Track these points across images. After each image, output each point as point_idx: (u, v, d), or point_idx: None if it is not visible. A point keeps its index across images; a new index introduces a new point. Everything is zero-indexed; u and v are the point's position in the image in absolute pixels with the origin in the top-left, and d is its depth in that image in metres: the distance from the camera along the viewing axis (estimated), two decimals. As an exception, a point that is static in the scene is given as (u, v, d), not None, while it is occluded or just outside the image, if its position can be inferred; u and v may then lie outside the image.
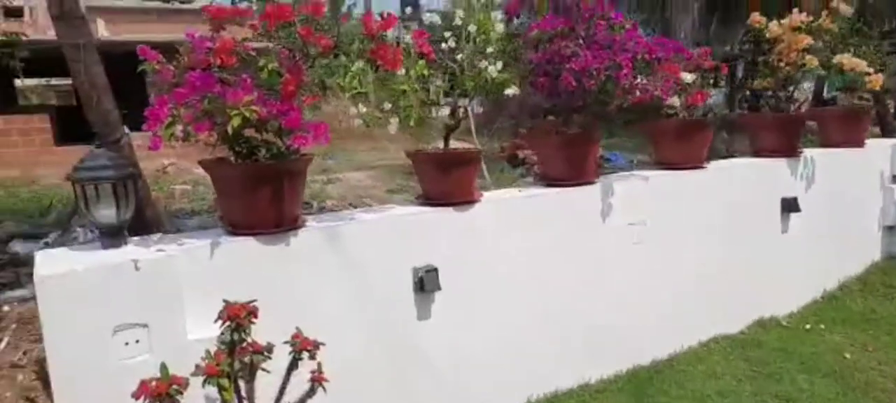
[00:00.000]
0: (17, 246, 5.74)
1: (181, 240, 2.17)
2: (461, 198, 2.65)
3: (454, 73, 2.63)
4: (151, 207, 3.20)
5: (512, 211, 2.84)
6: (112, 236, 2.07)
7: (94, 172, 1.99)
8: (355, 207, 9.37)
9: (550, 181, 3.06)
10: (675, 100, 3.31)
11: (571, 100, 2.96)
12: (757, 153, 3.94)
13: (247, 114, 1.93)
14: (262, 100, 2.03)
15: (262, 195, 2.12)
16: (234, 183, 2.15)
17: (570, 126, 3.11)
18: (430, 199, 2.67)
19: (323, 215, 2.61)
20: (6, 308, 3.89)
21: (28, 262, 4.79)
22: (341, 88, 2.26)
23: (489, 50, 2.63)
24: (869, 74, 3.64)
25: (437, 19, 2.54)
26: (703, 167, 3.50)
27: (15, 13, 13.50)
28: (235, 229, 2.19)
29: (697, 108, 3.46)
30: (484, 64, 2.60)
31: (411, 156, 2.74)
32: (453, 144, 2.75)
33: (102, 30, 17.85)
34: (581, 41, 2.90)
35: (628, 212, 3.18)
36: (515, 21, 3.33)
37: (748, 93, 4.18)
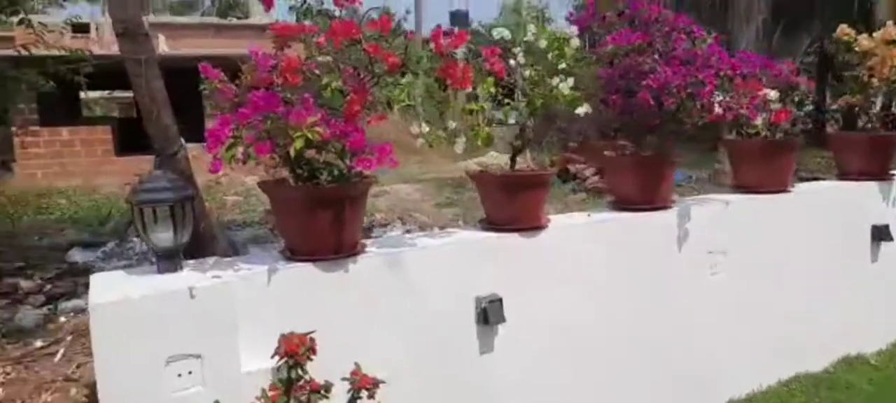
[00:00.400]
0: (77, 255, 5.84)
1: (238, 265, 2.07)
2: (528, 224, 2.48)
3: (524, 91, 2.48)
4: (205, 219, 3.15)
5: (582, 238, 2.66)
6: (168, 259, 1.99)
7: (154, 194, 1.91)
8: (404, 222, 9.30)
9: (622, 204, 2.87)
10: (757, 119, 3.08)
11: (647, 118, 2.77)
12: (843, 175, 3.65)
13: (310, 136, 1.82)
14: (325, 119, 1.92)
15: (322, 219, 2.00)
16: (293, 206, 2.04)
17: (642, 146, 2.91)
18: (493, 224, 2.51)
19: (381, 239, 2.48)
20: (62, 319, 3.91)
21: (86, 271, 4.84)
22: (389, 104, 2.15)
23: (562, 66, 2.47)
24: None
25: (507, 34, 2.39)
26: (787, 191, 3.24)
27: (82, 29, 14.01)
28: (294, 254, 2.08)
29: (779, 127, 3.21)
30: (555, 81, 2.44)
31: (475, 177, 2.59)
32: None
33: (163, 45, 18.44)
34: (658, 56, 2.71)
35: (706, 240, 2.95)
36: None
37: (815, 109, 3.89)
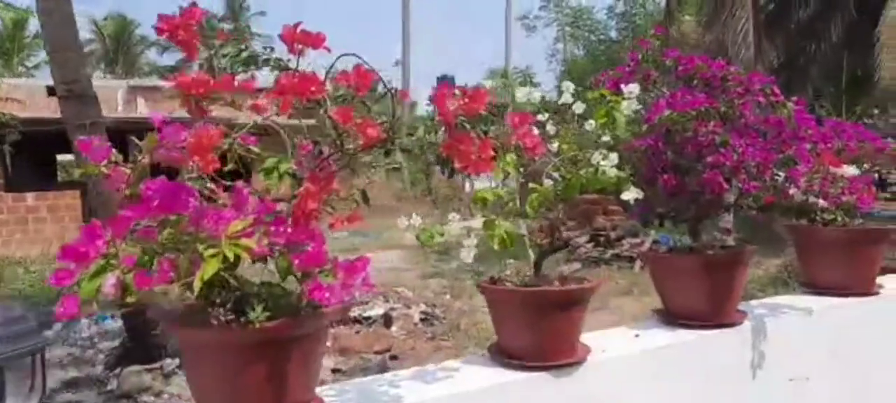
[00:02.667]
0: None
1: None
2: (561, 359, 1.76)
3: (554, 171, 1.79)
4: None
5: (633, 373, 1.94)
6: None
7: None
8: (386, 298, 8.49)
9: (678, 318, 2.16)
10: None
11: (709, 205, 2.10)
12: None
13: (228, 254, 1.11)
14: (261, 221, 1.22)
15: (250, 377, 1.27)
16: (206, 356, 1.31)
17: (697, 237, 2.23)
18: (511, 357, 1.78)
19: (346, 390, 1.71)
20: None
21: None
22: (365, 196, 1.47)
23: (605, 138, 1.81)
24: None
25: (536, 96, 1.75)
26: (874, 293, 2.55)
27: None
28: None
29: (857, 212, 2.54)
30: (597, 157, 1.77)
31: (485, 289, 1.87)
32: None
33: (142, 107, 17.80)
34: (724, 123, 2.06)
35: (786, 363, 2.24)
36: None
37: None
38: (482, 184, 1.72)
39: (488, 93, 1.29)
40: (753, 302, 2.48)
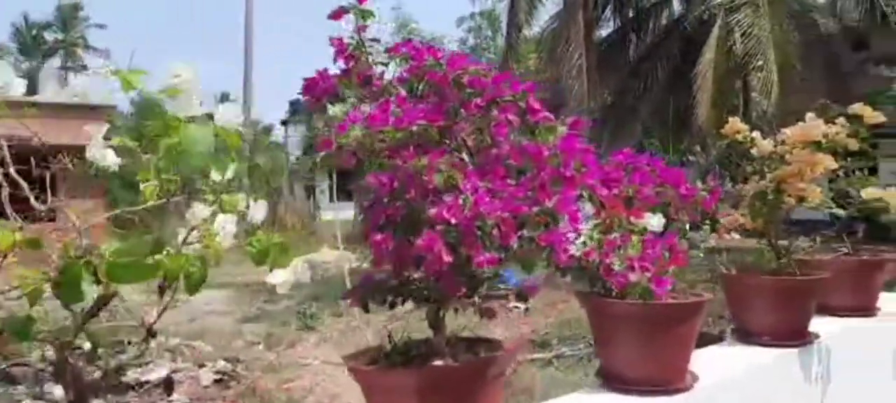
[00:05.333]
0: None
1: None
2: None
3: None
4: None
5: None
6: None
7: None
8: (175, 357, 7.12)
9: None
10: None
11: (450, 283, 1.31)
12: (745, 336, 2.44)
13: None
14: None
15: None
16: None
17: (439, 332, 1.43)
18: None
19: None
20: None
21: None
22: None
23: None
24: None
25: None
26: (686, 387, 1.91)
27: None
28: None
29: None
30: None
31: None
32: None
33: None
34: (462, 154, 1.29)
35: None
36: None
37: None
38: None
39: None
40: None
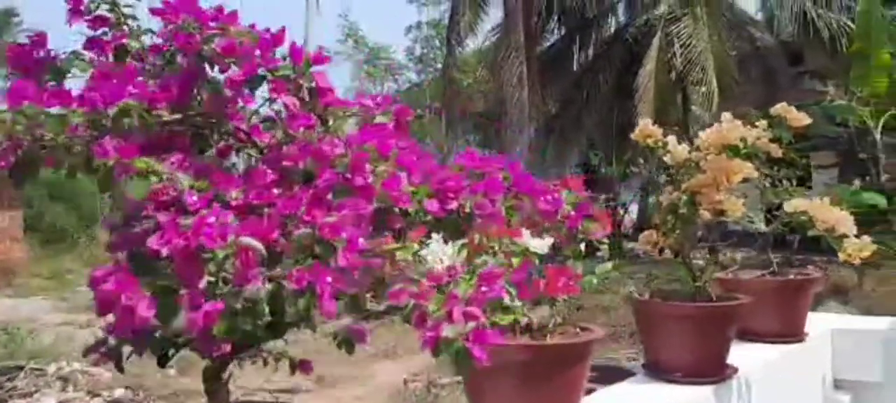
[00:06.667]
0: None
1: None
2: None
3: None
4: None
5: None
6: None
7: None
8: (67, 382, 6.46)
9: None
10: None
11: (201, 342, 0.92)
12: (657, 372, 2.12)
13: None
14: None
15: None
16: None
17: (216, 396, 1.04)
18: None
19: None
20: None
21: None
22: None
23: None
24: (847, 237, 2.00)
25: None
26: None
27: None
28: None
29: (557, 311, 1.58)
30: None
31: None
32: None
33: None
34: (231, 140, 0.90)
35: None
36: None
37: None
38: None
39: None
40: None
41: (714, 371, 2.05)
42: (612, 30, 16.74)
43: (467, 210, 1.01)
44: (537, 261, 1.62)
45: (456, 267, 0.96)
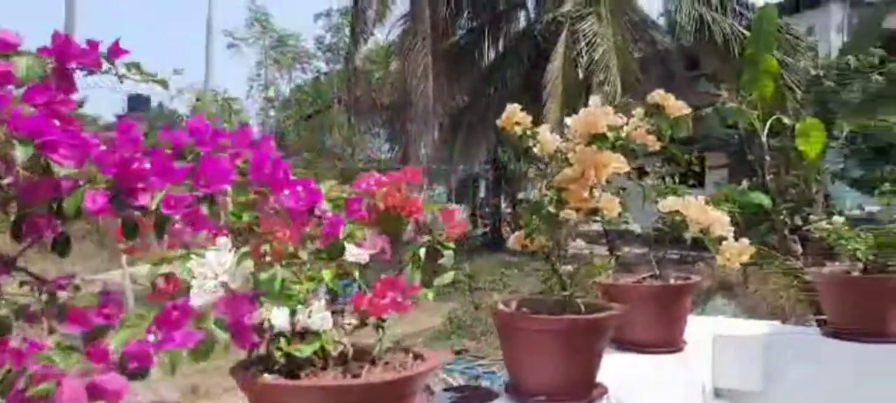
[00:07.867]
0: None
1: None
2: None
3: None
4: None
5: None
6: None
7: None
8: None
9: None
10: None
11: None
12: (519, 395, 1.85)
13: None
14: None
15: None
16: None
17: None
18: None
19: None
20: None
21: None
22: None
23: None
24: (724, 240, 1.79)
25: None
26: None
27: None
28: None
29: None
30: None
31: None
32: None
33: None
34: None
35: None
36: None
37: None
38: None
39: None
40: None
41: (581, 392, 1.80)
42: (522, 25, 16.76)
43: (153, 208, 0.66)
44: (356, 273, 1.30)
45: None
